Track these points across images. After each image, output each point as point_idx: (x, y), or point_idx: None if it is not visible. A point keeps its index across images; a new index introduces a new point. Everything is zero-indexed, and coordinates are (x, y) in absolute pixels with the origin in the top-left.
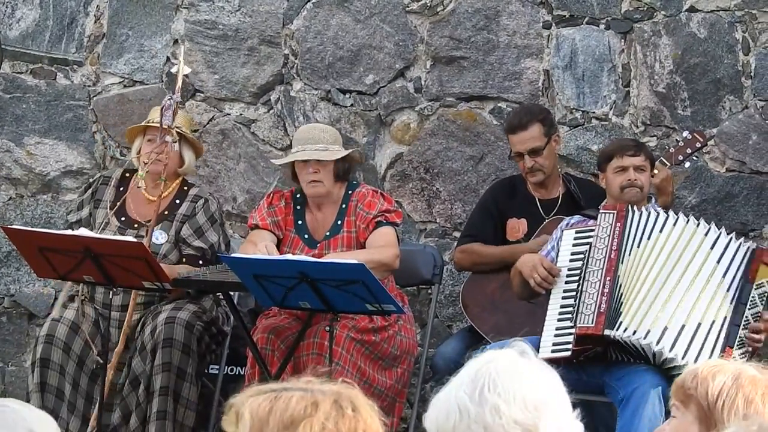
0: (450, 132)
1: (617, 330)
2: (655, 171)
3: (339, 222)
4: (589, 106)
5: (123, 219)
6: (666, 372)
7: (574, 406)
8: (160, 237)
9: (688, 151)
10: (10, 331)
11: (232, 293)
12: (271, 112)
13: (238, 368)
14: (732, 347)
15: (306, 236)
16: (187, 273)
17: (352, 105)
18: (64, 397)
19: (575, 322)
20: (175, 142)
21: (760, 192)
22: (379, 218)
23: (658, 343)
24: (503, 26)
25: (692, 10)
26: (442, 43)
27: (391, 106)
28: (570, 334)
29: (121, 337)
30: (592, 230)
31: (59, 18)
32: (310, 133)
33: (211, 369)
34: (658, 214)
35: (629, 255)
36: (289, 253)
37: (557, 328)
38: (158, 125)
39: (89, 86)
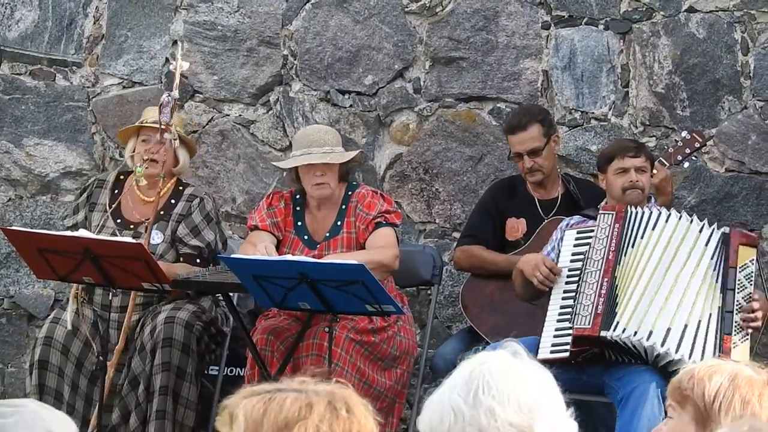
0: (449, 132)
1: (615, 331)
2: (654, 171)
3: (339, 223)
4: (588, 107)
5: (119, 221)
6: (665, 371)
7: (571, 405)
8: (156, 237)
9: (687, 151)
10: (10, 333)
11: (231, 294)
12: (270, 112)
13: (238, 369)
14: (729, 334)
15: (306, 237)
16: (187, 274)
17: (351, 106)
18: (63, 399)
19: (573, 323)
20: (175, 139)
21: (759, 192)
22: (378, 219)
23: (663, 344)
24: (502, 27)
25: (691, 10)
26: (441, 44)
27: (390, 107)
28: (569, 335)
29: (120, 337)
30: (593, 230)
31: (58, 19)
32: (313, 136)
33: (211, 370)
34: (651, 212)
35: (626, 255)
36: (288, 254)
37: (556, 329)
38: (152, 125)
39: (88, 87)
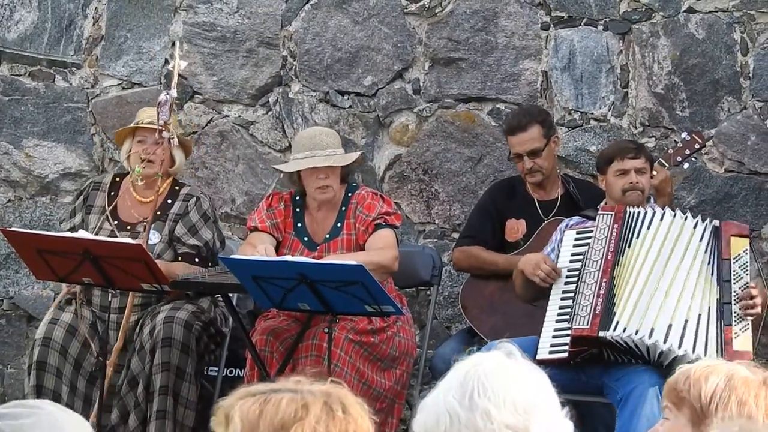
0: (448, 133)
1: (614, 331)
2: (654, 172)
3: (339, 224)
4: (588, 107)
5: (116, 222)
6: (664, 371)
7: (570, 405)
8: (153, 237)
9: (687, 152)
10: (9, 334)
11: (230, 295)
12: (269, 113)
13: (237, 370)
14: (730, 325)
15: (306, 238)
16: (186, 274)
17: (350, 106)
18: (62, 400)
19: (571, 323)
20: (172, 138)
21: (759, 192)
22: (378, 221)
23: (665, 341)
24: (501, 27)
25: (690, 10)
26: (441, 45)
27: (389, 108)
28: (568, 335)
29: (119, 336)
30: (592, 231)
31: (57, 20)
32: (316, 138)
33: (211, 371)
34: (647, 212)
35: (623, 256)
36: (288, 255)
37: (555, 329)
38: (147, 126)
39: (88, 88)
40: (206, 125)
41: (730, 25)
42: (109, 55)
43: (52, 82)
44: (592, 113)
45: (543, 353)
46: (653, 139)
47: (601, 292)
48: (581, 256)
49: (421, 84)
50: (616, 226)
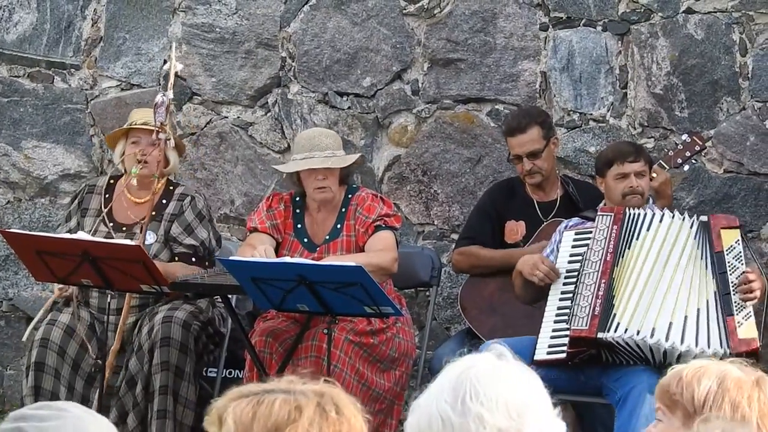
0: (447, 134)
1: (614, 331)
2: (654, 174)
3: (338, 226)
4: (587, 108)
5: (112, 224)
6: (663, 371)
7: (570, 405)
8: (149, 237)
9: (687, 154)
10: (9, 335)
11: (230, 296)
12: (268, 114)
13: (237, 371)
14: (732, 315)
15: (305, 240)
16: (185, 275)
17: (349, 108)
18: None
19: (570, 324)
20: (169, 139)
21: (758, 193)
22: (378, 222)
23: (667, 339)
24: (500, 28)
25: (689, 11)
26: (439, 46)
27: (388, 109)
28: (566, 336)
29: (116, 337)
30: (591, 232)
31: (56, 22)
32: (315, 140)
33: (210, 372)
34: (646, 213)
35: (623, 257)
36: (288, 256)
37: (554, 330)
38: (141, 127)
39: (86, 90)
40: (205, 126)
41: (728, 25)
42: (107, 56)
43: (51, 84)
44: (591, 114)
45: (541, 354)
46: (652, 139)
47: (600, 293)
48: (580, 257)
49: (420, 85)
50: (615, 227)
